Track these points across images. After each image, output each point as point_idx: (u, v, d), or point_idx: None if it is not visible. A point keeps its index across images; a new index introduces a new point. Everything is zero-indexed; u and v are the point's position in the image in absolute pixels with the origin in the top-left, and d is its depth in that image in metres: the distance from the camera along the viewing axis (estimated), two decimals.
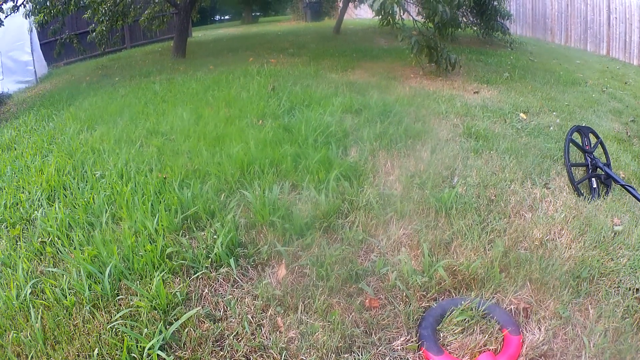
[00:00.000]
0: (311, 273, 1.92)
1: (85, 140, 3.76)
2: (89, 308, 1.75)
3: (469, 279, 1.88)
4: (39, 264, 2.12)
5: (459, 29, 9.46)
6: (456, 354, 1.57)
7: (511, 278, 1.89)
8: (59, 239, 2.27)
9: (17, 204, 2.74)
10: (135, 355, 1.53)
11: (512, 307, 1.76)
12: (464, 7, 9.72)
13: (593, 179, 2.85)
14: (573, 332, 1.64)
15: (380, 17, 5.55)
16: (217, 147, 3.19)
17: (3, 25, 6.92)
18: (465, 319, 1.68)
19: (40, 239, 2.31)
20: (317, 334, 1.61)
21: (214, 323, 1.69)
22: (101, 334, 1.62)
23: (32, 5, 7.79)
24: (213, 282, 1.91)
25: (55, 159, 3.33)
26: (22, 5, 7.68)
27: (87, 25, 10.09)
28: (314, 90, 4.92)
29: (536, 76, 6.62)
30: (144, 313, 1.70)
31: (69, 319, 1.72)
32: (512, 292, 1.81)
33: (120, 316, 1.69)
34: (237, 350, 1.57)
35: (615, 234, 2.27)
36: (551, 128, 4.02)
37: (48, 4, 7.70)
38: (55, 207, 2.55)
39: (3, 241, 2.36)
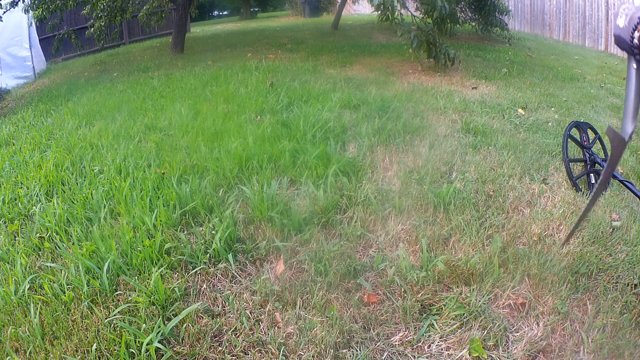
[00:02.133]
0: (309, 268, 1.92)
1: (84, 136, 3.76)
2: (88, 303, 1.75)
3: (468, 274, 1.88)
4: (37, 259, 2.11)
5: (458, 25, 9.45)
6: None
7: (509, 273, 1.89)
8: (57, 234, 2.26)
9: (16, 200, 2.73)
10: (133, 351, 1.53)
11: (510, 302, 1.77)
12: (463, 2, 9.72)
13: (591, 175, 2.85)
14: (571, 327, 1.65)
15: (380, 12, 5.54)
16: (215, 143, 3.18)
17: (2, 20, 6.89)
18: None
19: (38, 235, 2.31)
20: (315, 329, 1.61)
21: (213, 318, 1.69)
22: (99, 329, 1.62)
23: (31, 1, 7.76)
24: (211, 278, 1.91)
25: (53, 154, 3.32)
26: (21, 1, 7.65)
27: (85, 20, 10.06)
28: (312, 86, 4.92)
29: (534, 72, 6.62)
30: (142, 308, 1.70)
31: (68, 315, 1.72)
32: (511, 287, 1.82)
33: (118, 311, 1.69)
34: (235, 346, 1.57)
35: (613, 229, 2.27)
36: (549, 124, 4.02)
37: None
38: (54, 203, 2.55)
39: (1, 236, 2.35)
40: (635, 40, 1.16)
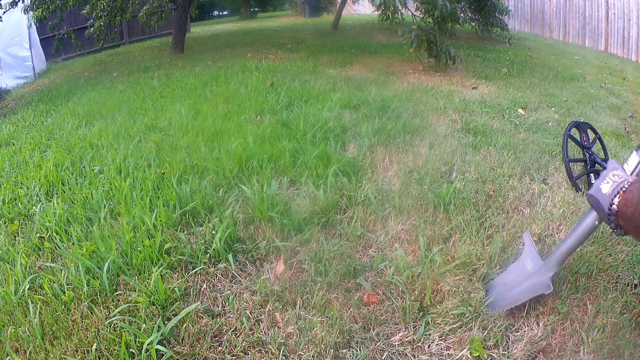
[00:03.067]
0: (309, 268, 1.92)
1: (84, 136, 3.76)
2: (88, 303, 1.75)
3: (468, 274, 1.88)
4: (37, 259, 2.11)
5: (458, 25, 9.46)
6: None
7: None
8: (57, 234, 2.26)
9: (16, 200, 2.73)
10: (133, 351, 1.53)
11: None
12: (463, 2, 9.72)
13: (591, 175, 2.85)
14: (571, 327, 1.65)
15: (380, 12, 5.54)
16: (215, 143, 3.18)
17: (2, 21, 6.90)
18: None
19: (38, 235, 2.31)
20: (315, 329, 1.61)
21: (213, 318, 1.69)
22: (99, 329, 1.62)
23: (31, 1, 7.77)
24: (211, 278, 1.91)
25: (53, 154, 3.32)
26: (21, 1, 7.65)
27: (85, 20, 10.07)
28: (312, 86, 4.92)
29: (534, 72, 6.62)
30: (142, 308, 1.69)
31: (68, 315, 1.72)
32: None
33: (118, 311, 1.69)
34: (235, 346, 1.57)
35: None
36: (549, 124, 4.02)
37: None
38: (54, 203, 2.55)
39: (1, 237, 2.35)
40: (614, 206, 1.12)
